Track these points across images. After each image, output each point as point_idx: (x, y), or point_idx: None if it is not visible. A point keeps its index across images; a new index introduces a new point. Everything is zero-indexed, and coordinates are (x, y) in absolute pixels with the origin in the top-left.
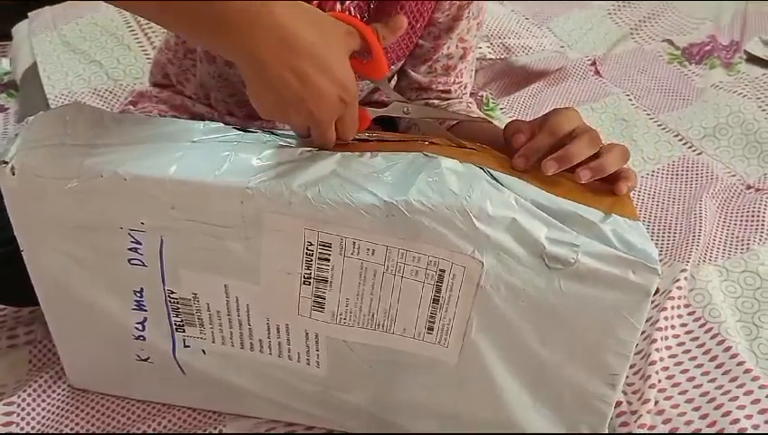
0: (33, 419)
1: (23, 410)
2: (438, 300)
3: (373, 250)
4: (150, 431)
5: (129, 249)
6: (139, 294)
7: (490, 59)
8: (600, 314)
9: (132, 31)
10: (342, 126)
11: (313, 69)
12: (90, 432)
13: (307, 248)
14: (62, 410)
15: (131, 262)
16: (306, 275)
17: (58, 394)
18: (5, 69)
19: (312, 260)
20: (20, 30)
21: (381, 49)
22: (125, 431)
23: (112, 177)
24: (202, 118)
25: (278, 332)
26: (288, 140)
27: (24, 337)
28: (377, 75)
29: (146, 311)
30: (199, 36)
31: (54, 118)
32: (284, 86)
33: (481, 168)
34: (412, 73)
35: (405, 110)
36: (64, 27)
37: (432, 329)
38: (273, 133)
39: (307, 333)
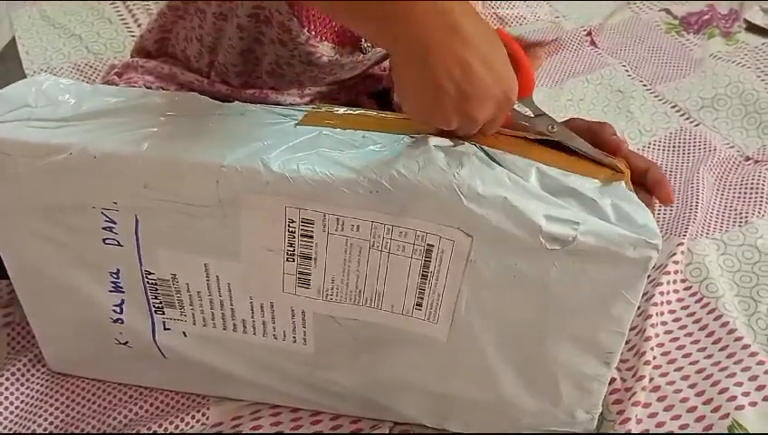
0: (11, 403)
1: (0, 394)
2: (427, 275)
3: (358, 226)
4: (132, 416)
5: (104, 228)
6: (115, 276)
7: None
8: (595, 291)
9: (113, 4)
10: (487, 127)
11: (480, 64)
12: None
13: (289, 226)
14: (43, 393)
15: (106, 241)
16: (289, 252)
17: (38, 378)
18: None
19: (294, 237)
20: None
21: (530, 66)
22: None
23: (81, 154)
24: (190, 86)
25: (262, 310)
26: (270, 110)
27: (3, 319)
28: (524, 92)
29: (123, 293)
30: (362, 18)
31: (20, 92)
32: (448, 78)
33: (473, 144)
34: None
35: (549, 127)
36: (44, 2)
37: (421, 305)
38: (256, 104)
39: (293, 310)
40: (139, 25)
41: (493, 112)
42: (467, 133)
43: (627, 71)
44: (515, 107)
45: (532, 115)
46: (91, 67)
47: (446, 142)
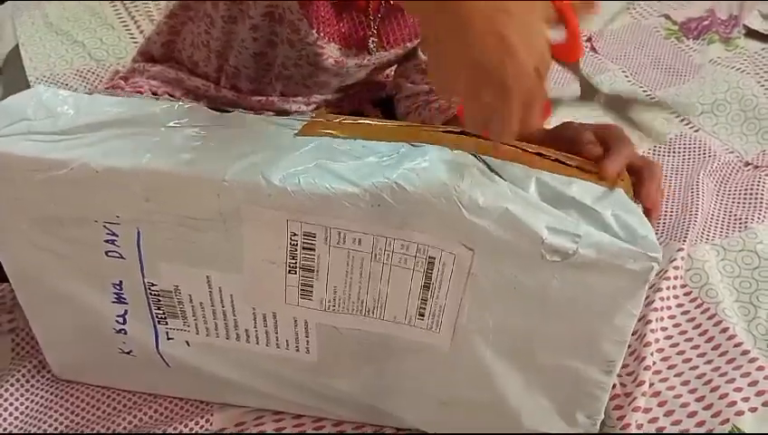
0: (16, 409)
1: (5, 400)
2: (429, 287)
3: (359, 239)
4: (137, 422)
5: (106, 241)
6: (117, 287)
7: None
8: (596, 302)
9: (116, 10)
10: (528, 110)
11: (518, 37)
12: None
13: (291, 239)
14: (47, 399)
15: (109, 254)
16: (291, 265)
17: (42, 384)
18: None
19: (296, 250)
20: (3, 11)
21: (578, 27)
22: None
23: (82, 169)
24: (196, 91)
25: (265, 320)
26: (270, 121)
27: (7, 325)
28: (571, 57)
29: (126, 303)
30: None
31: (19, 104)
32: (484, 52)
33: (474, 154)
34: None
35: (598, 98)
36: (47, 7)
37: (423, 315)
38: (258, 114)
39: (296, 321)
40: (141, 32)
41: (528, 88)
42: (506, 121)
43: (627, 76)
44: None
45: (577, 81)
46: (93, 73)
47: (446, 153)
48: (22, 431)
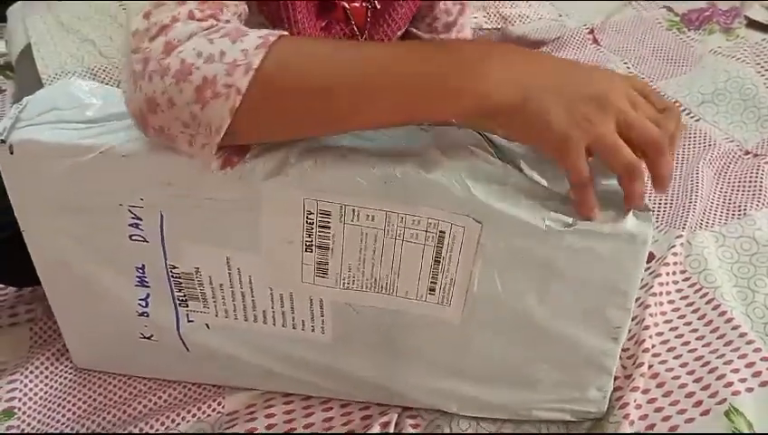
0: (35, 394)
1: (25, 386)
2: (439, 261)
3: (372, 216)
4: (152, 406)
5: (130, 225)
6: (141, 271)
7: (486, 29)
8: (600, 267)
9: (125, 9)
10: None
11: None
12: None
13: (307, 217)
14: (64, 386)
15: (132, 238)
16: (308, 243)
17: (60, 371)
18: (1, 50)
19: (312, 228)
20: (14, 11)
21: None
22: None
23: (110, 154)
24: None
25: (282, 301)
26: None
27: (25, 315)
28: None
29: (148, 287)
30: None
31: (48, 95)
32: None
33: (479, 132)
34: (414, 31)
35: None
36: (57, 7)
37: (434, 290)
38: None
39: (312, 300)
40: None
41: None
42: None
43: (629, 68)
44: None
45: None
46: (104, 71)
47: (453, 131)
48: (41, 414)
